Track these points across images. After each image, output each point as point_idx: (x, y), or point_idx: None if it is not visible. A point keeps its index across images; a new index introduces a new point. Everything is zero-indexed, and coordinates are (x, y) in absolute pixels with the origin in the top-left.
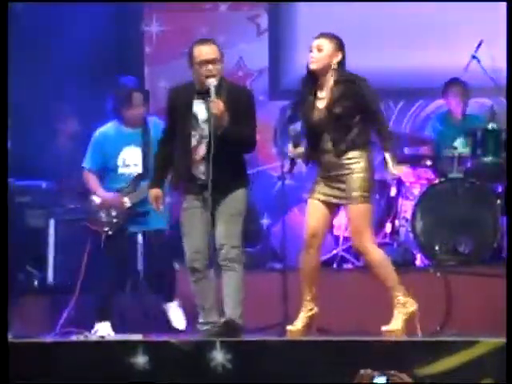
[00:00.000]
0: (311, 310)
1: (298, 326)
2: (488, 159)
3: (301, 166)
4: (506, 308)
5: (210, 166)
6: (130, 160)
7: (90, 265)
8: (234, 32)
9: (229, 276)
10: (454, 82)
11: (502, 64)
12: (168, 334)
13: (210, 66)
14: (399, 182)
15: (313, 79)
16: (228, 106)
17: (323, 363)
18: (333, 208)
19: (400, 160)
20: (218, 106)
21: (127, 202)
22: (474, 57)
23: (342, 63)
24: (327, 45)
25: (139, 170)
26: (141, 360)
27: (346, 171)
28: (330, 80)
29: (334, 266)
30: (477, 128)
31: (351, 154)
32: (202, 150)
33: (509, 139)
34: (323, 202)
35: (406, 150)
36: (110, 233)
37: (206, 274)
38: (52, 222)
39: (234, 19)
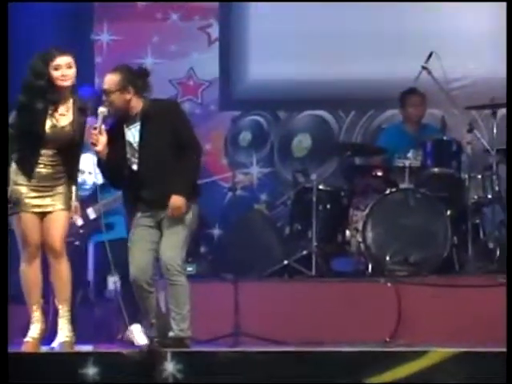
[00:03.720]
0: (43, 322)
1: (35, 337)
2: (439, 170)
3: (252, 176)
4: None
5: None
6: (85, 167)
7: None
8: (185, 42)
9: (174, 289)
10: (412, 92)
11: (453, 75)
12: (118, 345)
13: (104, 97)
14: (350, 192)
15: None
16: (156, 127)
17: (275, 374)
18: (43, 217)
19: (351, 170)
20: (97, 136)
21: (91, 213)
22: (423, 67)
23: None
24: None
25: (93, 178)
26: (91, 371)
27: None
28: None
29: (286, 276)
30: (428, 139)
31: None
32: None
33: (509, 138)
34: (36, 213)
35: (357, 160)
36: (76, 243)
37: (151, 291)
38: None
39: (185, 29)
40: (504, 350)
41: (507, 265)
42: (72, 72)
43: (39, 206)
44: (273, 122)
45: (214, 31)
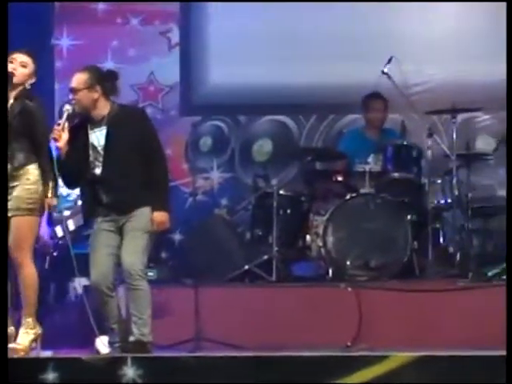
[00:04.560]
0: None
1: (25, 344)
2: (399, 175)
3: (212, 181)
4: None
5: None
6: None
7: None
8: (145, 46)
9: (135, 294)
10: (375, 96)
11: (413, 80)
12: (79, 351)
13: (71, 95)
14: (311, 197)
15: None
16: (124, 132)
17: (236, 378)
18: None
19: (312, 175)
20: (59, 132)
21: (72, 224)
22: (383, 72)
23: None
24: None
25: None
26: (51, 377)
27: (16, 183)
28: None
29: (246, 281)
30: (388, 143)
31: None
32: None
33: (509, 138)
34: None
35: (318, 165)
36: (55, 254)
37: (112, 296)
38: None
39: (145, 33)
40: (461, 353)
41: (507, 264)
42: (23, 71)
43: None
44: (233, 127)
45: (175, 36)
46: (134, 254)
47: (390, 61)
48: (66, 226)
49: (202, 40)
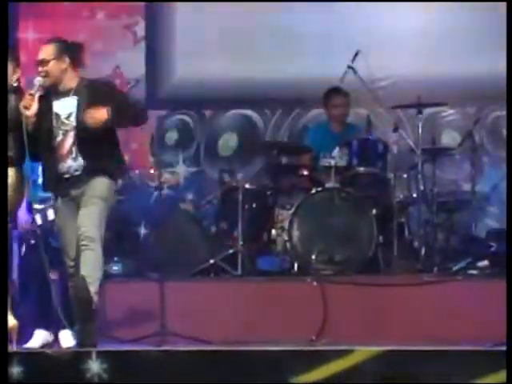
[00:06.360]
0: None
1: None
2: (364, 169)
3: (177, 175)
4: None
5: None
6: None
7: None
8: (111, 40)
9: (86, 255)
10: (334, 91)
11: (379, 74)
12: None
13: (40, 67)
14: (276, 191)
15: None
16: (93, 101)
17: (202, 373)
18: None
19: (277, 169)
20: (31, 102)
21: (51, 214)
22: (349, 67)
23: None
24: None
25: None
26: (15, 370)
27: None
28: None
29: (211, 275)
30: (353, 138)
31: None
32: (67, 145)
33: (509, 139)
34: None
35: (283, 160)
36: (32, 242)
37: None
38: None
39: (112, 27)
40: (430, 348)
41: (507, 264)
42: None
43: None
44: (199, 121)
45: (140, 30)
46: (88, 216)
47: (356, 55)
48: (46, 216)
49: (167, 34)
